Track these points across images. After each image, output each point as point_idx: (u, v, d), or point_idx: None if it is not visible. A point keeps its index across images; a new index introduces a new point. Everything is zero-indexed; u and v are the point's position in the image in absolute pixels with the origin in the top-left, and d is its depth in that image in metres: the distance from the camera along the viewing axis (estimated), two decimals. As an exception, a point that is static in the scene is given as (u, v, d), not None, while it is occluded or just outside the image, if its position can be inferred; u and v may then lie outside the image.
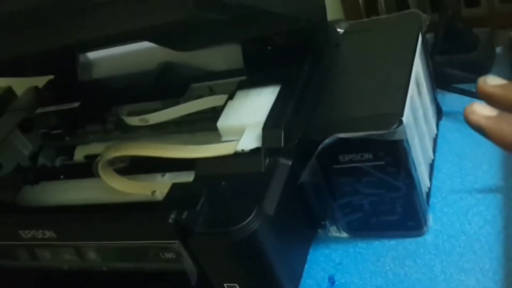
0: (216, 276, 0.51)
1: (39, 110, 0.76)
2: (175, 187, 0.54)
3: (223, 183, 0.53)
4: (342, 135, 0.49)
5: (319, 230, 0.58)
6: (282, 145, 0.53)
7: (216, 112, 0.67)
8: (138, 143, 0.62)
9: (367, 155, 0.49)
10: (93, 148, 0.75)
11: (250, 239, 0.48)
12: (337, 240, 0.57)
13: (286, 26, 0.58)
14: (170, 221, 0.48)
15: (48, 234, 0.54)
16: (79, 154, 0.76)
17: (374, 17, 0.77)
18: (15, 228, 0.55)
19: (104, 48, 0.76)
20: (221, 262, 0.50)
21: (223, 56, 0.71)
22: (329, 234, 0.57)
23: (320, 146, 0.49)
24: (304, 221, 0.56)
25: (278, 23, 0.57)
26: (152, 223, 0.50)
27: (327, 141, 0.49)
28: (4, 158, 0.72)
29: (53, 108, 0.75)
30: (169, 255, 0.51)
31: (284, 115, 0.55)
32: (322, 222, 0.57)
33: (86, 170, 0.72)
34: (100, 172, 0.64)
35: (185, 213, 0.48)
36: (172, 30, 0.63)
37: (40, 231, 0.54)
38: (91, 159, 0.74)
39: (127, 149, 0.61)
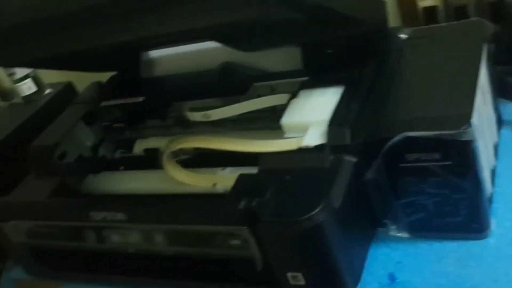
0: (280, 265, 0.52)
1: (103, 104, 0.79)
2: (241, 178, 0.55)
3: (287, 177, 0.54)
4: (411, 133, 0.49)
5: (379, 229, 0.58)
6: (348, 142, 0.54)
7: (275, 112, 0.69)
8: (204, 136, 0.64)
9: (435, 155, 0.50)
10: (152, 142, 0.78)
11: (317, 229, 0.49)
12: (397, 239, 0.58)
13: (353, 29, 0.59)
14: (240, 207, 0.49)
15: (119, 216, 0.56)
16: (138, 147, 0.79)
17: (435, 25, 0.78)
18: (87, 210, 0.57)
19: (170, 46, 0.78)
20: (287, 251, 0.51)
21: (282, 57, 0.73)
22: (390, 233, 0.58)
23: (388, 144, 0.50)
24: (365, 218, 0.57)
25: (347, 26, 0.58)
26: (223, 209, 0.51)
27: (395, 139, 0.50)
28: (69, 148, 0.75)
29: (117, 102, 0.78)
30: (235, 242, 0.52)
31: (349, 114, 0.56)
32: (383, 221, 0.57)
33: (145, 162, 0.74)
34: (164, 162, 0.66)
35: (255, 201, 0.50)
36: (240, 30, 0.65)
37: (111, 213, 0.56)
38: (151, 152, 0.76)
39: (194, 141, 0.63)
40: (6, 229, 0.65)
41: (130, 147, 0.79)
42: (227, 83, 0.74)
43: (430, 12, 0.78)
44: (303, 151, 0.56)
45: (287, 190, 0.52)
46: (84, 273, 0.69)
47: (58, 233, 0.62)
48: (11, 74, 0.96)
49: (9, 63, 0.76)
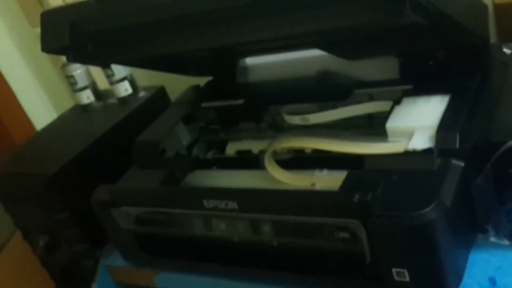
0: (386, 260, 0.54)
1: (204, 105, 0.83)
2: (351, 174, 0.58)
3: (395, 177, 0.56)
4: (525, 139, 0.51)
5: (479, 235, 0.60)
6: (457, 146, 0.56)
7: (371, 119, 0.72)
8: (310, 137, 0.67)
9: (547, 162, 0.51)
10: (245, 145, 0.81)
11: (429, 226, 0.51)
12: (496, 246, 0.59)
13: (465, 39, 0.62)
14: (355, 200, 0.52)
15: (231, 205, 0.59)
16: (231, 149, 0.82)
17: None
18: (200, 197, 0.61)
19: (272, 53, 0.82)
20: (396, 246, 0.53)
21: (378, 67, 0.75)
22: (489, 240, 0.59)
23: (502, 148, 0.52)
24: (468, 223, 0.58)
25: (458, 36, 0.61)
26: (336, 201, 0.54)
27: (511, 143, 0.51)
28: (169, 145, 0.79)
29: (217, 104, 0.82)
30: (343, 235, 0.55)
31: (458, 119, 0.58)
32: (485, 227, 0.58)
33: (237, 164, 0.78)
34: (266, 160, 0.70)
35: (369, 194, 0.52)
36: (345, 38, 0.69)
37: (224, 201, 0.59)
38: (242, 154, 0.80)
39: (300, 141, 0.67)
40: (116, 215, 0.69)
41: (222, 149, 0.83)
42: (326, 90, 0.77)
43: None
44: (409, 154, 0.58)
45: (397, 188, 0.55)
46: (182, 262, 0.72)
47: (167, 220, 0.66)
48: (109, 76, 1.01)
49: (112, 62, 0.81)
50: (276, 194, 0.60)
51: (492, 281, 0.56)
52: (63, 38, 0.63)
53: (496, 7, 0.76)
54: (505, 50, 0.67)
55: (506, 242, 0.59)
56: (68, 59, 0.68)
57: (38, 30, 0.66)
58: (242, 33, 0.60)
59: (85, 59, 0.71)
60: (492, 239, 0.59)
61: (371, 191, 0.54)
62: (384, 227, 0.52)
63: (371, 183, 0.55)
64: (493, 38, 0.75)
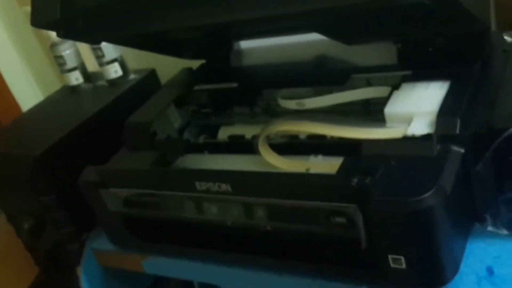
0: (383, 246, 0.53)
1: (196, 88, 0.81)
2: (348, 160, 0.56)
3: (393, 162, 0.55)
4: (528, 125, 0.50)
5: (477, 224, 0.59)
6: (457, 132, 0.55)
7: (367, 105, 0.71)
8: (306, 121, 0.65)
9: (550, 149, 0.50)
10: (237, 129, 0.80)
11: (428, 212, 0.50)
12: (493, 235, 0.58)
13: (468, 25, 0.60)
14: (353, 184, 0.51)
15: (224, 187, 0.58)
16: (223, 133, 0.81)
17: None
18: (192, 179, 0.59)
19: (269, 36, 0.80)
20: (393, 232, 0.52)
21: (376, 53, 0.74)
22: (487, 229, 0.58)
23: (505, 134, 0.51)
24: (466, 211, 0.57)
25: (462, 22, 0.59)
26: (335, 184, 0.52)
27: (511, 130, 0.50)
28: (159, 128, 0.77)
29: (210, 86, 0.80)
30: (339, 220, 0.53)
31: (459, 105, 0.57)
32: (483, 215, 0.57)
33: (229, 148, 0.76)
34: (260, 145, 0.68)
35: (368, 179, 0.51)
36: (344, 22, 0.67)
37: (217, 184, 0.58)
38: (235, 139, 0.78)
39: (295, 125, 0.65)
40: (104, 196, 0.67)
41: (214, 133, 0.82)
42: (322, 74, 0.76)
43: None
44: (408, 139, 0.57)
45: (396, 174, 0.53)
46: (172, 247, 0.70)
47: (157, 203, 0.64)
48: (99, 57, 0.99)
49: (104, 39, 0.79)
50: (271, 176, 0.58)
51: (490, 270, 0.55)
52: (54, 12, 0.61)
53: (497, -5, 0.75)
54: (506, 37, 0.66)
55: (504, 232, 0.58)
56: (58, 34, 0.66)
57: (25, 8, 0.64)
58: (237, 11, 0.58)
59: (76, 35, 0.69)
60: (490, 228, 0.58)
61: (369, 176, 0.52)
62: (382, 213, 0.51)
63: (369, 169, 0.54)
64: (493, 27, 0.74)
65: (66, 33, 0.65)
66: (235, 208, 0.59)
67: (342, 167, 0.55)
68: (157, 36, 0.76)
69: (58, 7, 0.61)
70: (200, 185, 0.59)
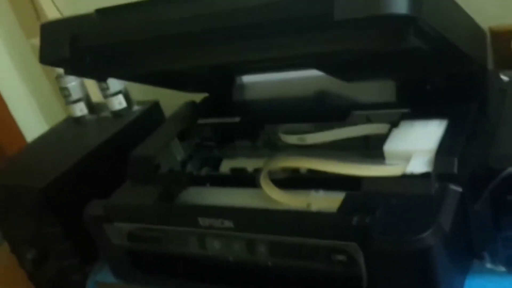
0: (384, 284, 0.54)
1: (200, 121, 0.83)
2: (349, 196, 0.58)
3: (392, 200, 0.56)
4: (525, 166, 0.51)
5: (476, 260, 0.59)
6: (455, 171, 0.56)
7: (367, 141, 0.72)
8: (307, 157, 0.67)
9: (546, 190, 0.52)
10: (239, 162, 0.81)
11: (427, 251, 0.51)
12: (492, 272, 0.59)
13: (464, 65, 0.62)
14: (353, 223, 0.52)
15: (226, 223, 0.59)
16: (225, 166, 0.82)
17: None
18: (195, 215, 0.60)
19: (270, 72, 0.82)
20: (394, 270, 0.53)
21: (376, 90, 0.76)
22: (486, 266, 0.59)
23: (502, 174, 0.52)
24: (465, 248, 0.58)
25: (459, 62, 0.61)
26: (334, 223, 0.54)
27: (510, 170, 0.51)
28: (163, 161, 0.78)
29: (214, 120, 0.81)
30: (340, 257, 0.54)
31: (457, 144, 0.58)
32: (481, 253, 0.58)
33: (231, 181, 0.77)
34: (261, 180, 0.69)
35: (368, 217, 0.52)
36: (343, 60, 0.69)
37: (219, 220, 0.59)
38: (237, 172, 0.79)
39: (297, 161, 0.67)
40: (108, 230, 0.68)
41: (216, 166, 0.83)
42: (323, 110, 0.77)
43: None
44: (407, 177, 0.58)
45: (395, 212, 0.54)
46: (174, 281, 0.71)
47: (160, 237, 0.65)
48: (103, 89, 1.01)
49: (110, 76, 0.81)
50: (273, 214, 0.60)
51: (488, 307, 0.56)
52: (63, 50, 0.62)
53: (493, 34, 0.76)
54: (502, 77, 0.67)
55: (502, 269, 0.58)
56: (66, 71, 0.67)
57: (32, 41, 0.66)
58: (240, 53, 0.60)
59: (82, 72, 0.71)
60: (489, 265, 0.59)
61: (370, 214, 0.53)
62: (382, 251, 0.52)
63: (369, 206, 0.55)
64: (489, 65, 0.76)
65: (74, 70, 0.67)
66: (237, 244, 0.60)
67: (342, 205, 0.56)
68: (161, 72, 0.78)
69: (67, 46, 0.63)
70: (203, 221, 0.60)
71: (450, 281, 0.54)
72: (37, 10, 1.11)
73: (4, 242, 0.94)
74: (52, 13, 1.09)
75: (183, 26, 0.58)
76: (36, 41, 0.66)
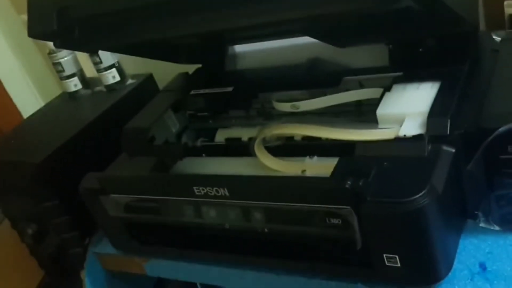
0: (378, 246, 0.54)
1: (193, 92, 0.82)
2: (342, 161, 0.58)
3: (386, 163, 0.56)
4: (517, 124, 0.51)
5: (469, 220, 0.60)
6: (448, 133, 0.56)
7: (360, 107, 0.72)
8: (300, 124, 0.66)
9: (538, 148, 0.52)
10: (234, 132, 0.81)
11: (420, 212, 0.51)
12: (486, 231, 0.59)
13: (456, 26, 0.62)
14: (347, 186, 0.52)
15: (221, 192, 0.59)
16: (220, 136, 0.82)
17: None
18: (190, 184, 0.60)
19: (262, 40, 0.81)
20: (387, 232, 0.53)
21: (368, 55, 0.75)
22: (479, 225, 0.59)
23: (494, 134, 0.52)
24: (458, 208, 0.59)
25: (450, 23, 0.60)
26: (329, 187, 0.54)
27: (502, 129, 0.51)
28: (157, 133, 0.78)
29: (206, 91, 0.81)
30: (335, 221, 0.55)
31: (449, 106, 0.58)
32: (475, 212, 0.59)
33: (226, 151, 0.78)
34: (256, 148, 0.69)
35: (361, 181, 0.52)
36: (335, 25, 0.68)
37: (214, 188, 0.59)
38: (232, 142, 0.79)
39: (290, 128, 0.66)
40: (105, 202, 0.69)
41: (211, 136, 0.83)
42: (316, 77, 0.77)
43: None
44: (400, 140, 0.58)
45: (389, 175, 0.55)
46: (172, 250, 0.72)
47: (156, 208, 0.66)
48: (97, 63, 1.00)
49: (100, 48, 0.80)
50: (267, 180, 0.60)
51: (483, 266, 0.56)
52: (51, 23, 0.62)
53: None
54: (494, 37, 0.67)
55: (496, 228, 0.59)
56: (55, 45, 0.67)
57: (24, 16, 0.65)
58: (230, 19, 0.59)
59: (72, 45, 0.70)
60: (482, 224, 0.59)
61: (363, 177, 0.54)
62: (376, 213, 0.52)
63: (363, 170, 0.55)
64: (481, 26, 0.75)
65: (63, 43, 0.67)
66: (233, 212, 0.60)
67: (336, 170, 0.57)
68: (152, 43, 0.77)
69: (54, 18, 0.62)
70: (199, 190, 0.60)
71: (444, 242, 0.55)
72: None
73: (5, 220, 0.95)
74: (41, -12, 1.08)
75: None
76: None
